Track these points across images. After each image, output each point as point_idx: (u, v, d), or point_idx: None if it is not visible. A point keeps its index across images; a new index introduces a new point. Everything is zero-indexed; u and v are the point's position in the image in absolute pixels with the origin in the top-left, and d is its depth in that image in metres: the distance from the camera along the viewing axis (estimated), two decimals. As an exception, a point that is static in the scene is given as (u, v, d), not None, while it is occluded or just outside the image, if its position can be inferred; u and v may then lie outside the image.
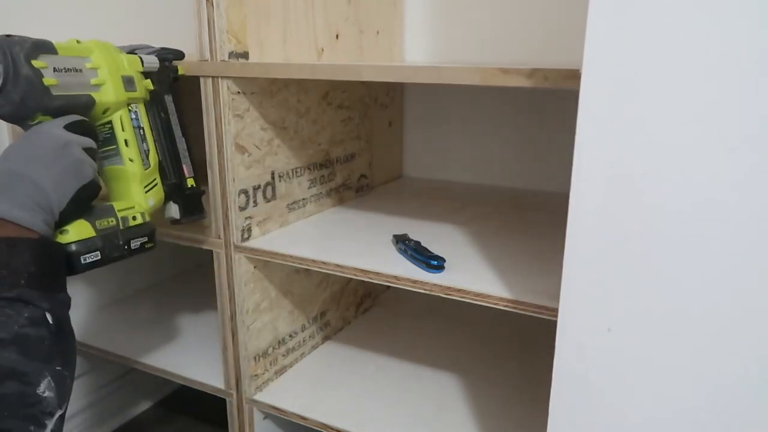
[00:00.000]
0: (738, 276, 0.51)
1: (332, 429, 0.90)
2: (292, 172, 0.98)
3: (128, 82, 0.76)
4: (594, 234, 0.56)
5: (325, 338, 1.14)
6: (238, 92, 0.85)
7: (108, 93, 0.74)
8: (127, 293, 1.39)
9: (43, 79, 0.65)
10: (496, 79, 0.65)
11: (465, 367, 1.06)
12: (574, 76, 0.54)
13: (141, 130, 0.78)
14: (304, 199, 1.02)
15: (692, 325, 0.54)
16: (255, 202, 0.91)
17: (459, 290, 0.73)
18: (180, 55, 0.83)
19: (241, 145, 0.87)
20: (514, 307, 0.70)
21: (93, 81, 0.72)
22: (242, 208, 0.89)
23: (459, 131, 1.28)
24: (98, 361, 1.26)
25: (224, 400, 1.01)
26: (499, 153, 1.25)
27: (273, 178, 0.94)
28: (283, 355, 1.03)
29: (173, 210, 0.83)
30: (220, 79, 0.83)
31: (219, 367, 1.01)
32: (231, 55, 0.83)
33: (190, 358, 1.10)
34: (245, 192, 0.89)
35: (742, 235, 0.50)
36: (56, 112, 0.67)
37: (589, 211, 0.55)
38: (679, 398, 0.56)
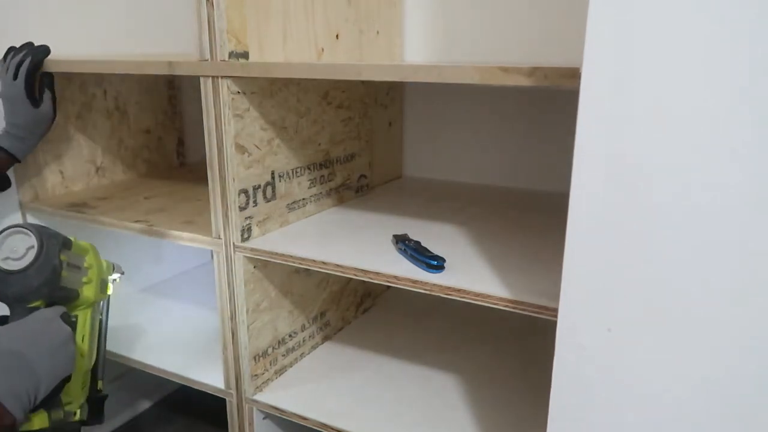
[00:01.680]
0: (738, 276, 0.51)
1: (332, 429, 0.90)
2: (292, 172, 0.98)
3: (103, 285, 0.83)
4: (594, 234, 0.56)
5: (325, 338, 1.14)
6: (238, 92, 0.85)
7: (90, 292, 0.79)
8: (127, 293, 1.39)
9: (62, 272, 0.72)
10: (495, 78, 0.65)
11: (465, 367, 1.06)
12: (574, 74, 0.54)
13: (91, 330, 0.82)
14: (304, 199, 1.02)
15: (692, 325, 0.54)
16: (255, 202, 0.91)
17: (459, 290, 0.73)
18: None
19: (241, 145, 0.87)
20: (514, 307, 0.70)
21: (84, 279, 0.78)
22: (242, 208, 0.89)
23: (459, 131, 1.28)
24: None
25: (224, 400, 1.01)
26: (499, 153, 1.25)
27: (273, 178, 0.94)
28: (283, 355, 1.03)
29: (84, 411, 0.81)
30: (220, 79, 0.83)
31: (219, 367, 1.01)
32: (231, 55, 0.82)
33: (190, 358, 1.10)
34: (245, 192, 0.89)
35: (742, 234, 0.50)
36: (52, 302, 0.73)
37: (589, 211, 0.55)
38: (679, 398, 0.56)
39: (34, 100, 0.99)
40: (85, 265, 0.79)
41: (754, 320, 0.52)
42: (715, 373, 0.54)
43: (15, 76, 0.97)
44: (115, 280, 0.89)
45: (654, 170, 0.52)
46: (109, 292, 0.87)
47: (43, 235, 0.71)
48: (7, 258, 0.69)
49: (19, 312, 0.71)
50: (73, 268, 0.76)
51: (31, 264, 0.69)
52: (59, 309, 0.73)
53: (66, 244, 0.75)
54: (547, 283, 0.73)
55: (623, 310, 0.56)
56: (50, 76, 1.02)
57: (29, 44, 1.01)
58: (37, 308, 0.71)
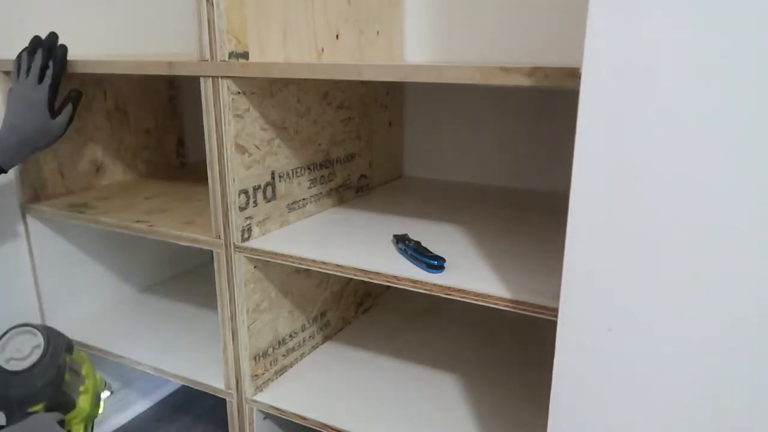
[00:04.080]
0: (738, 275, 0.51)
1: (332, 429, 0.90)
2: (292, 172, 0.98)
3: (97, 399, 0.82)
4: (594, 234, 0.56)
5: (325, 338, 1.14)
6: (238, 92, 0.85)
7: (86, 403, 0.78)
8: (127, 293, 1.39)
9: (65, 375, 0.69)
10: (496, 78, 0.65)
11: (465, 367, 1.06)
12: (575, 74, 0.54)
13: None
14: (304, 199, 1.02)
15: (692, 325, 0.54)
16: (255, 202, 0.91)
17: (459, 290, 0.73)
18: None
19: (241, 145, 0.87)
20: (514, 307, 0.70)
21: (81, 388, 0.78)
22: (242, 208, 0.89)
23: (459, 131, 1.28)
24: (98, 361, 1.26)
25: (224, 400, 1.01)
26: (499, 153, 1.25)
27: (273, 178, 0.94)
28: (283, 355, 1.03)
29: None
30: (220, 79, 0.83)
31: (219, 367, 1.01)
32: (231, 55, 0.83)
33: (190, 358, 1.10)
34: (245, 192, 0.89)
35: (742, 234, 0.50)
36: (52, 407, 0.72)
37: (589, 211, 0.55)
38: (679, 398, 0.56)
39: (52, 111, 0.94)
40: (83, 373, 0.79)
41: (754, 320, 0.52)
42: (715, 372, 0.54)
43: (39, 80, 0.92)
44: (106, 396, 0.88)
45: (654, 170, 0.52)
46: (100, 410, 0.85)
47: (50, 334, 0.71)
48: (10, 359, 0.69)
49: (17, 417, 0.69)
50: (74, 373, 0.76)
51: (37, 363, 0.69)
52: (57, 415, 0.73)
53: (69, 347, 0.74)
54: (547, 283, 0.73)
55: (623, 310, 0.56)
56: (79, 93, 0.99)
57: (48, 40, 0.95)
58: (36, 413, 0.70)
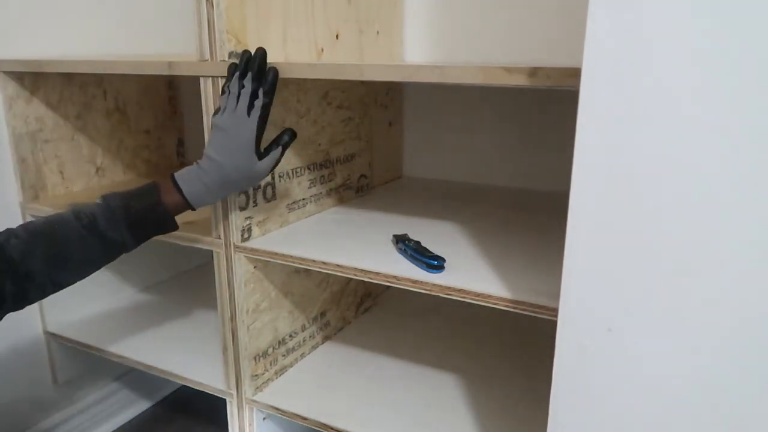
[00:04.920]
0: (738, 275, 0.51)
1: (332, 429, 0.90)
2: (292, 172, 0.98)
3: None
4: (594, 234, 0.56)
5: (325, 338, 1.14)
6: (238, 92, 0.85)
7: None
8: (127, 293, 1.39)
9: None
10: (498, 78, 0.65)
11: (465, 367, 1.06)
12: (577, 74, 0.54)
13: None
14: (304, 199, 1.02)
15: (692, 325, 0.54)
16: (255, 202, 0.91)
17: (459, 290, 0.73)
18: None
19: (241, 145, 0.86)
20: (514, 307, 0.70)
21: None
22: (242, 208, 0.89)
23: (459, 131, 1.28)
24: (98, 361, 1.26)
25: (224, 400, 1.01)
26: (499, 153, 1.25)
27: (273, 178, 0.94)
28: (283, 355, 1.03)
29: None
30: (220, 79, 0.83)
31: (219, 367, 1.01)
32: (231, 55, 0.82)
33: (190, 358, 1.10)
34: (245, 192, 0.89)
35: (742, 234, 0.50)
36: None
37: (589, 211, 0.55)
38: (679, 398, 0.56)
39: (259, 151, 0.79)
40: None
41: (754, 320, 0.52)
42: (716, 372, 0.54)
43: (248, 112, 0.77)
44: None
45: (654, 170, 0.52)
46: None
47: None
48: None
49: None
50: None
51: None
52: None
53: None
54: (547, 283, 0.73)
55: (623, 310, 0.56)
56: (292, 135, 0.82)
57: (258, 60, 0.78)
58: None
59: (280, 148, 0.81)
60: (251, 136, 0.77)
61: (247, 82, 0.77)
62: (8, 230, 0.74)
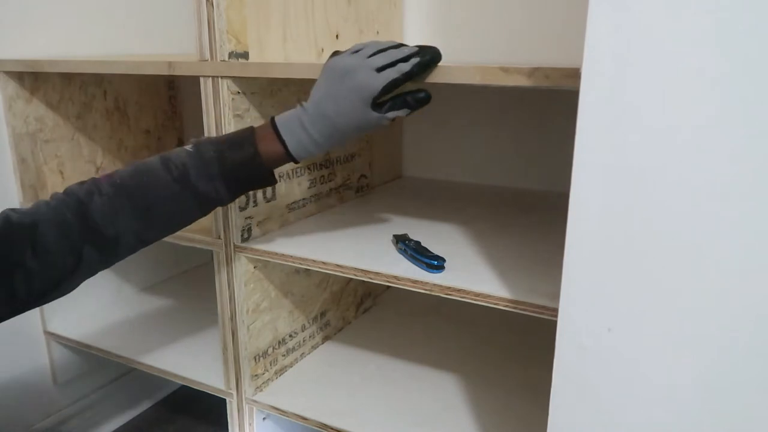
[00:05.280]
0: (738, 275, 0.51)
1: (332, 429, 0.90)
2: (292, 172, 0.98)
3: None
4: (594, 234, 0.56)
5: (325, 338, 1.14)
6: (238, 92, 0.85)
7: None
8: (127, 293, 1.39)
9: None
10: (496, 78, 0.65)
11: (465, 367, 1.06)
12: (575, 75, 0.54)
13: None
14: (304, 199, 1.02)
15: (692, 325, 0.54)
16: (255, 202, 0.91)
17: (459, 290, 0.73)
18: None
19: (241, 145, 0.86)
20: (514, 307, 0.70)
21: None
22: (242, 208, 0.89)
23: (459, 131, 1.28)
24: (98, 361, 1.26)
25: (224, 400, 1.01)
26: (499, 153, 1.25)
27: (273, 178, 0.94)
28: (283, 355, 1.03)
29: None
30: (220, 79, 0.83)
31: (219, 367, 1.01)
32: (231, 55, 0.82)
33: (190, 358, 1.10)
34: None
35: (742, 234, 0.50)
36: None
37: (589, 211, 0.55)
38: (680, 398, 0.56)
39: (376, 106, 0.69)
40: None
41: (754, 320, 0.52)
42: (716, 372, 0.54)
43: (381, 68, 0.67)
44: None
45: (654, 170, 0.52)
46: None
47: None
48: None
49: None
50: None
51: None
52: None
53: None
54: (547, 283, 0.73)
55: (623, 310, 0.56)
56: (427, 96, 0.70)
57: (435, 55, 0.69)
58: None
59: (406, 110, 0.69)
60: (372, 87, 0.66)
61: (400, 51, 0.67)
62: (92, 184, 0.66)
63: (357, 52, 0.69)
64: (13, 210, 0.63)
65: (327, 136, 0.69)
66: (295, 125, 0.69)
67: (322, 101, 0.69)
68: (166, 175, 0.67)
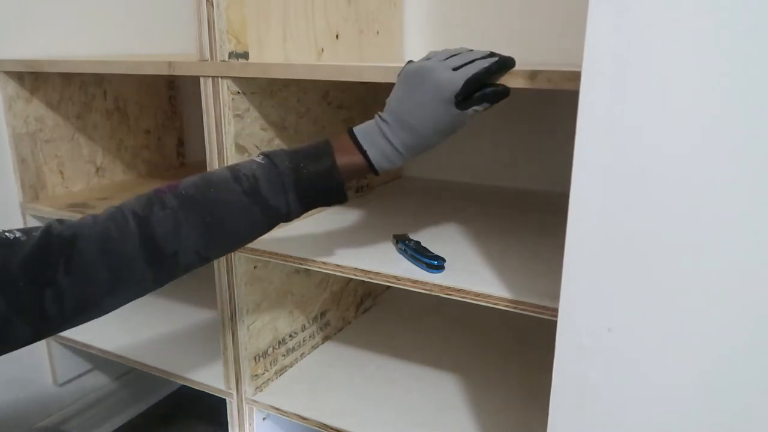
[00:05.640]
0: (738, 275, 0.51)
1: (332, 429, 0.90)
2: (292, 172, 0.98)
3: None
4: (594, 234, 0.56)
5: (325, 338, 1.14)
6: (238, 92, 0.85)
7: None
8: (127, 293, 1.39)
9: None
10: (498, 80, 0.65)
11: (465, 367, 1.06)
12: (577, 78, 0.54)
13: None
14: (304, 199, 1.02)
15: (692, 325, 0.54)
16: (255, 202, 0.91)
17: (459, 290, 0.73)
18: None
19: (241, 145, 0.87)
20: (514, 307, 0.70)
21: None
22: (242, 208, 0.89)
23: (459, 131, 1.27)
24: (98, 361, 1.26)
25: (224, 400, 1.01)
26: (499, 153, 1.25)
27: (273, 178, 0.94)
28: (283, 355, 1.03)
29: None
30: (220, 79, 0.83)
31: (219, 367, 1.01)
32: (231, 55, 0.82)
33: (190, 358, 1.10)
34: (245, 192, 0.89)
35: (742, 234, 0.50)
36: None
37: (589, 211, 0.55)
38: (680, 398, 0.56)
39: (458, 102, 0.65)
40: None
41: (755, 320, 0.52)
42: (716, 372, 0.54)
43: (459, 67, 0.65)
44: None
45: (654, 170, 0.52)
46: None
47: None
48: None
49: None
50: None
51: None
52: None
53: None
54: (547, 283, 0.73)
55: (623, 310, 0.56)
56: (505, 90, 0.68)
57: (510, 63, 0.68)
58: None
59: (487, 104, 0.67)
60: (453, 83, 0.63)
61: (475, 54, 0.66)
62: (154, 194, 0.61)
63: (430, 59, 0.68)
64: (59, 221, 0.58)
65: (409, 145, 0.66)
66: (376, 136, 0.66)
67: (402, 109, 0.66)
68: (236, 187, 0.62)
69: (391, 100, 0.67)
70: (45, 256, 0.55)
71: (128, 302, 0.63)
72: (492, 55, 0.66)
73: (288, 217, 0.66)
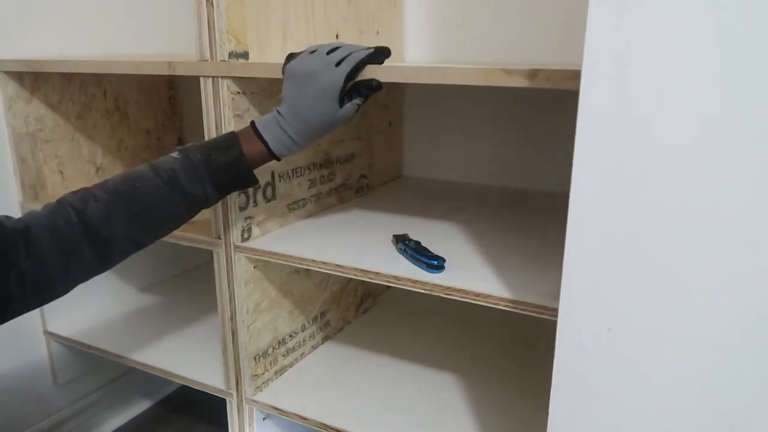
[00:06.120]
0: (738, 275, 0.51)
1: (332, 429, 0.90)
2: (292, 172, 0.98)
3: None
4: (594, 234, 0.56)
5: (325, 338, 1.14)
6: (238, 92, 0.85)
7: None
8: (127, 293, 1.39)
9: None
10: (499, 80, 0.65)
11: (465, 367, 1.06)
12: (576, 77, 0.54)
13: None
14: (304, 199, 1.02)
15: (693, 325, 0.54)
16: (255, 202, 0.91)
17: (459, 290, 0.73)
18: None
19: (241, 145, 0.87)
20: (514, 307, 0.70)
21: None
22: (242, 208, 0.89)
23: (459, 131, 1.28)
24: (98, 361, 1.26)
25: (224, 400, 1.01)
26: (499, 153, 1.25)
27: (273, 178, 0.94)
28: (283, 355, 1.03)
29: None
30: (220, 79, 0.83)
31: (219, 367, 1.01)
32: (231, 55, 0.82)
33: (190, 358, 1.10)
34: (245, 192, 0.89)
35: (742, 234, 0.50)
36: None
37: (589, 211, 0.55)
38: (679, 398, 0.56)
39: (341, 99, 0.74)
40: None
41: (755, 320, 0.52)
42: (716, 372, 0.54)
43: (338, 63, 0.73)
44: None
45: (654, 170, 0.52)
46: None
47: None
48: None
49: None
50: None
51: None
52: None
53: None
54: (547, 283, 0.73)
55: (623, 310, 0.56)
56: (378, 85, 0.75)
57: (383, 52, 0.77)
58: None
59: (362, 99, 0.76)
60: (336, 83, 0.72)
61: (354, 47, 0.75)
62: (86, 192, 0.70)
63: (314, 52, 0.75)
64: (6, 217, 0.66)
65: (303, 135, 0.75)
66: (274, 127, 0.75)
67: (294, 105, 0.74)
68: (157, 180, 0.71)
69: (287, 97, 0.75)
70: (5, 243, 0.63)
71: (77, 285, 0.70)
72: (369, 48, 0.75)
73: (207, 203, 0.75)
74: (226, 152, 0.74)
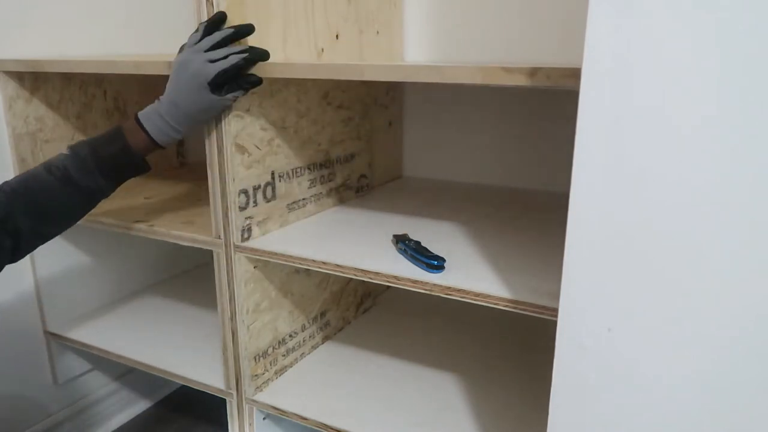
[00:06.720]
0: (738, 275, 0.51)
1: (332, 429, 0.90)
2: (292, 172, 0.98)
3: None
4: (594, 234, 0.56)
5: (325, 338, 1.14)
6: (238, 92, 0.85)
7: None
8: (127, 293, 1.39)
9: None
10: (498, 78, 0.65)
11: (465, 367, 1.06)
12: (576, 75, 0.54)
13: None
14: (304, 199, 1.02)
15: (692, 325, 0.54)
16: (255, 202, 0.91)
17: (459, 290, 0.73)
18: None
19: (241, 145, 0.87)
20: (514, 307, 0.70)
21: None
22: (242, 208, 0.89)
23: (459, 131, 1.28)
24: (98, 361, 1.26)
25: (224, 400, 1.01)
26: (499, 153, 1.25)
27: (273, 178, 0.94)
28: (283, 355, 1.03)
29: None
30: (220, 79, 0.83)
31: (219, 367, 1.01)
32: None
33: (190, 358, 1.10)
34: (245, 192, 0.89)
35: (742, 234, 0.50)
36: None
37: (589, 211, 0.55)
38: (679, 398, 0.56)
39: (216, 87, 0.79)
40: None
41: (755, 320, 0.52)
42: (716, 372, 0.54)
43: (214, 60, 0.78)
44: None
45: (654, 170, 0.52)
46: None
47: None
48: None
49: None
50: None
51: None
52: None
53: None
54: (547, 283, 0.73)
55: (623, 310, 0.56)
56: (258, 80, 0.81)
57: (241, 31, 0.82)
58: None
59: (241, 92, 0.81)
60: (206, 73, 0.78)
61: (230, 46, 0.79)
62: None
63: (196, 44, 0.80)
64: None
65: (180, 121, 0.81)
66: (153, 116, 0.81)
67: (171, 92, 0.81)
68: (50, 177, 0.77)
69: (167, 86, 0.82)
70: None
71: None
72: (248, 50, 0.80)
73: (103, 193, 0.82)
74: (111, 144, 0.80)
